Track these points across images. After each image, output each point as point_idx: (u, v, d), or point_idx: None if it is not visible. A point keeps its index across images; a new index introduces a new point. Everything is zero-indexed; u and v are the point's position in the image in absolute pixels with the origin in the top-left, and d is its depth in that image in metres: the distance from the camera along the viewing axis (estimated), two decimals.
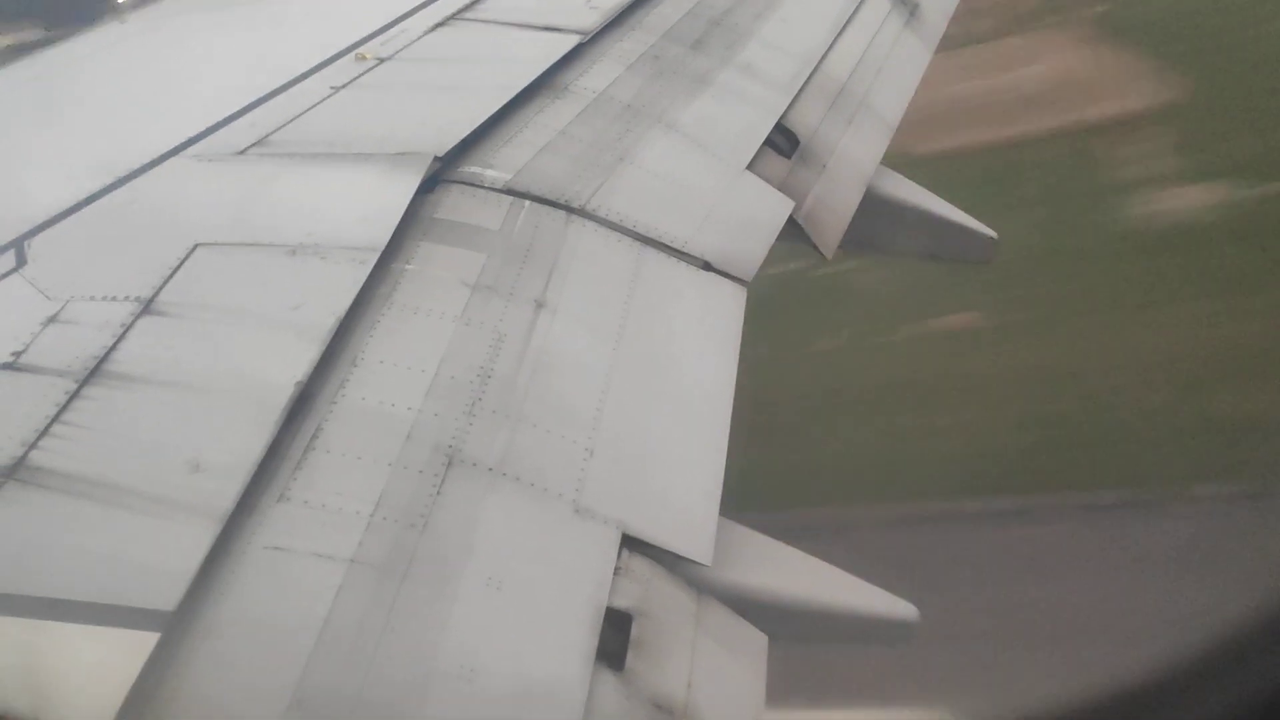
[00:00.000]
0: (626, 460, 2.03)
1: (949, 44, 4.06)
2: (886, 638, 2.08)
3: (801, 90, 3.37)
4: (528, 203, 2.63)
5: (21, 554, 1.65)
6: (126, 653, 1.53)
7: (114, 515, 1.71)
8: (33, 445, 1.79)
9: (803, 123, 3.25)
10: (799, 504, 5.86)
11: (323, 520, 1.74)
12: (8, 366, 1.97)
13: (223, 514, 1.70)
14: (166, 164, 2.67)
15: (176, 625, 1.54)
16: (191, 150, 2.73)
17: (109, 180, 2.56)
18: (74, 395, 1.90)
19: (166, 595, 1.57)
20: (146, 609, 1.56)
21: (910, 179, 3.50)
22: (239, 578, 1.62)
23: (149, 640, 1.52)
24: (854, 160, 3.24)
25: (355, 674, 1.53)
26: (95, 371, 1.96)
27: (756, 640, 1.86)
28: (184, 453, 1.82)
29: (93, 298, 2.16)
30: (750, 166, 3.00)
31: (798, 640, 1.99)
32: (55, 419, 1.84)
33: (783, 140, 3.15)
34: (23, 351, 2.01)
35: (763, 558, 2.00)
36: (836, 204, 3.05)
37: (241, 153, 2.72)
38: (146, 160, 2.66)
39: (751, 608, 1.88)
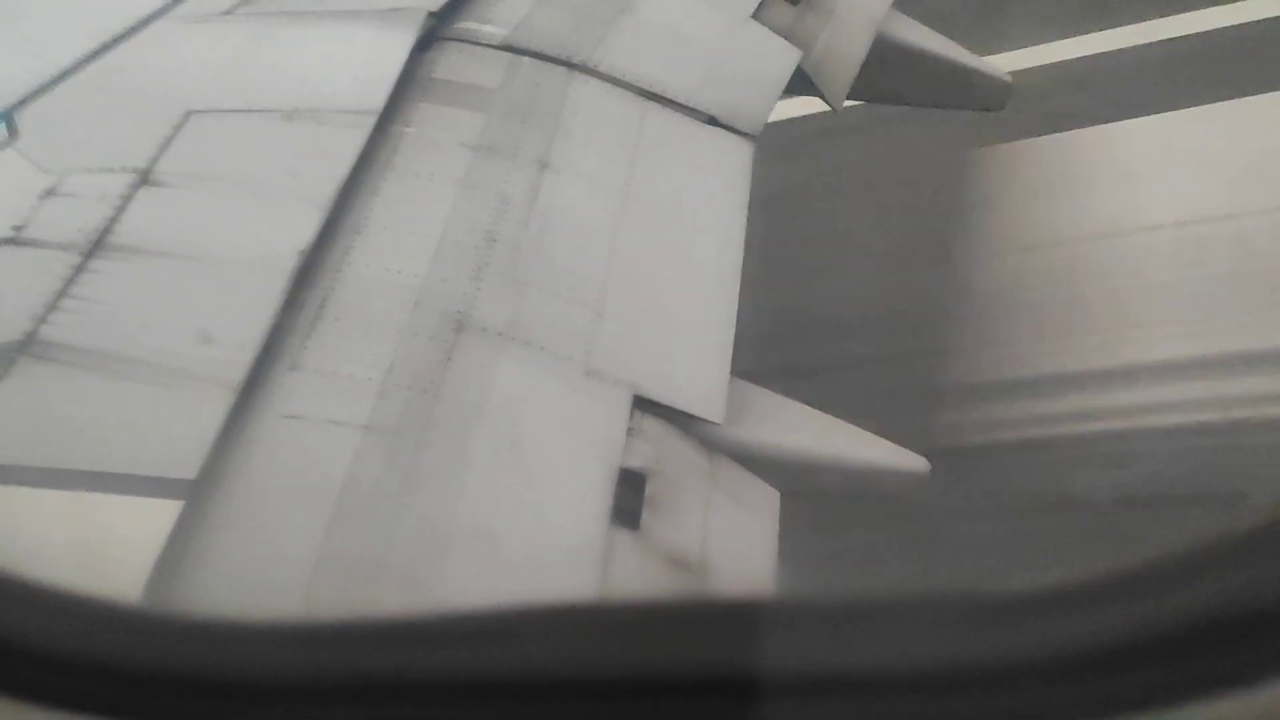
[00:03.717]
0: (636, 321, 2.03)
1: None
2: (897, 489, 2.11)
3: None
4: (526, 59, 2.55)
5: (42, 427, 1.68)
6: (152, 520, 1.56)
7: (129, 388, 1.72)
8: (42, 320, 1.79)
9: None
10: None
11: (336, 388, 1.75)
12: (10, 241, 1.95)
13: (236, 384, 1.70)
14: (151, 27, 2.58)
15: (199, 493, 1.57)
16: (176, 11, 2.63)
17: (93, 46, 2.48)
18: (79, 269, 1.89)
19: (187, 464, 1.59)
20: (168, 478, 1.59)
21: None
22: (257, 446, 1.65)
23: (173, 508, 1.56)
24: (863, 4, 3.12)
25: (377, 537, 1.57)
26: (98, 244, 1.94)
27: (768, 495, 1.89)
28: (193, 324, 1.81)
29: (88, 169, 2.12)
30: (755, 15, 2.89)
31: (809, 494, 2.03)
32: (63, 293, 1.84)
33: None
34: (24, 226, 1.98)
35: (773, 415, 2.02)
36: (845, 51, 2.96)
37: (228, 12, 2.63)
38: (130, 24, 2.57)
39: (763, 463, 1.91)
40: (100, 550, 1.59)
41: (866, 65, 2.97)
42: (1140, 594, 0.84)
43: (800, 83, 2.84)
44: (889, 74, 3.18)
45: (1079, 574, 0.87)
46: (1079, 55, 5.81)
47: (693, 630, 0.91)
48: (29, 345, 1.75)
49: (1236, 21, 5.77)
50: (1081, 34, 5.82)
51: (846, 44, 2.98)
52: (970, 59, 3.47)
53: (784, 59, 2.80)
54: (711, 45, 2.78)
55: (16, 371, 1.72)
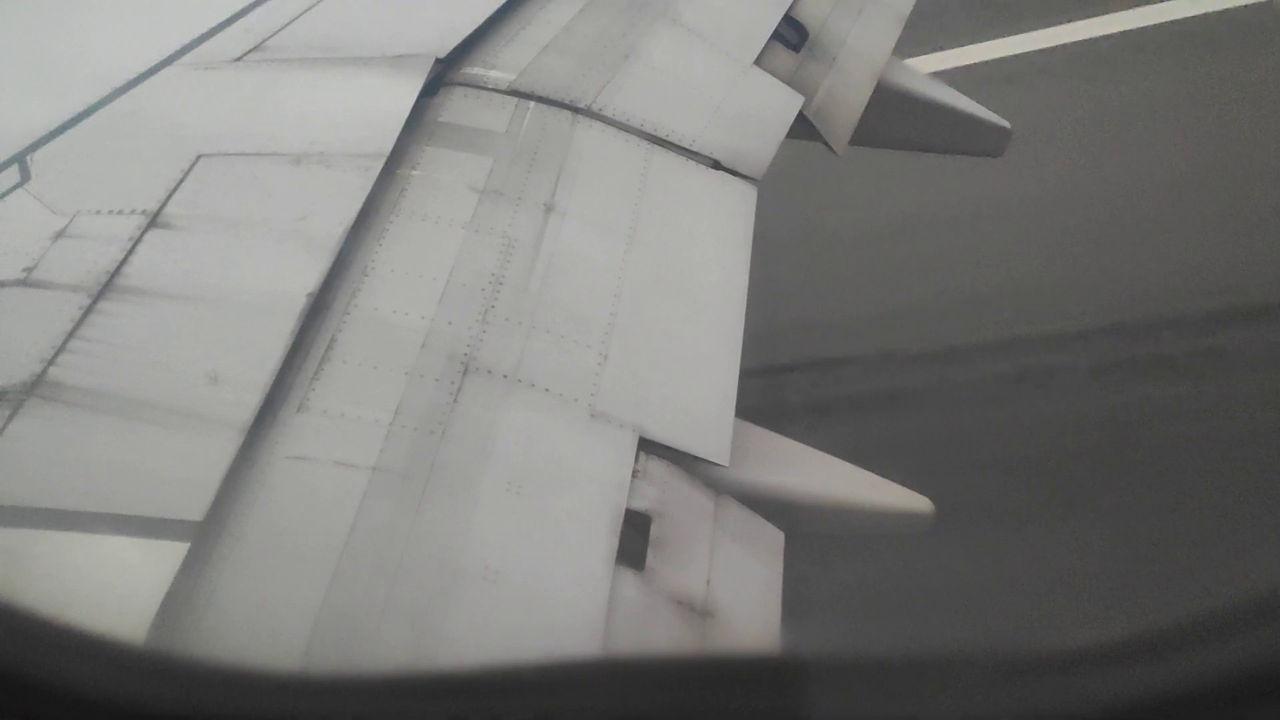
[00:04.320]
0: (641, 364, 2.04)
1: None
2: (901, 530, 2.11)
3: None
4: (533, 103, 2.58)
5: (49, 469, 1.68)
6: (158, 563, 1.56)
7: (137, 429, 1.72)
8: (51, 361, 1.80)
9: (811, 14, 3.17)
10: None
11: (343, 429, 1.76)
12: (20, 283, 1.97)
13: (244, 425, 1.71)
14: (163, 73, 2.61)
15: (205, 535, 1.57)
16: (187, 58, 2.67)
17: (106, 91, 2.51)
18: (88, 310, 1.90)
19: (194, 505, 1.60)
20: (175, 519, 1.59)
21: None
22: (264, 487, 1.65)
23: (179, 550, 1.55)
24: (865, 52, 3.16)
25: (383, 578, 1.56)
26: (108, 286, 1.95)
27: (773, 536, 1.89)
28: (202, 365, 1.82)
29: (99, 211, 2.14)
30: (758, 61, 2.94)
31: (814, 535, 2.02)
32: (72, 334, 1.85)
33: (791, 33, 3.07)
34: (34, 267, 2.00)
35: (778, 456, 2.02)
36: (847, 98, 3.00)
37: (238, 59, 2.66)
38: (142, 70, 2.60)
39: (768, 505, 1.91)
40: (107, 591, 1.58)
41: (868, 111, 3.01)
42: (1180, 650, 0.84)
43: (803, 127, 2.88)
44: (890, 120, 3.22)
45: (1117, 631, 0.87)
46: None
47: (737, 688, 0.90)
48: (38, 386, 1.76)
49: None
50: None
51: (848, 91, 3.02)
52: (970, 105, 3.52)
53: (786, 105, 2.84)
54: (715, 91, 2.82)
55: (25, 413, 1.72)
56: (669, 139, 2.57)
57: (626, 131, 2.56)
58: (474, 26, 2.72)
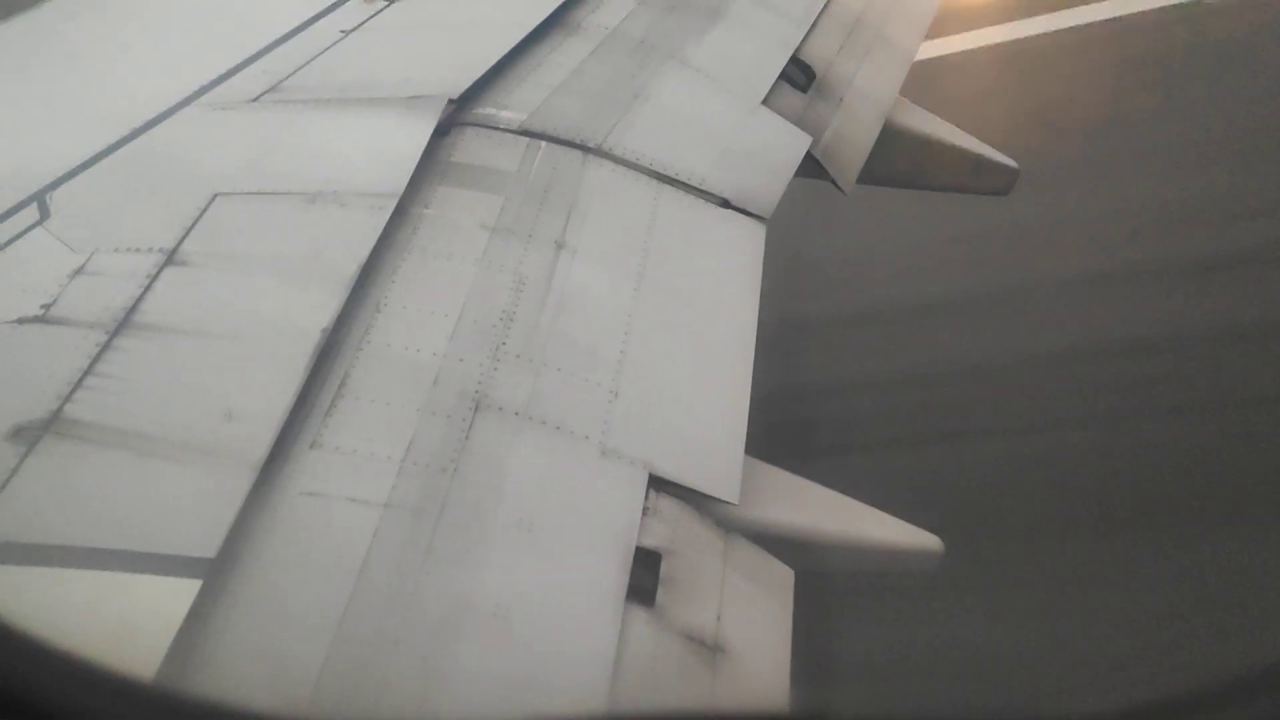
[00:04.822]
0: (651, 401, 2.05)
1: None
2: (911, 568, 2.11)
3: (816, 22, 3.32)
4: (544, 143, 2.61)
5: (63, 506, 1.69)
6: (170, 599, 1.57)
7: (151, 465, 1.74)
8: (67, 398, 1.82)
9: (819, 55, 3.21)
10: None
11: (355, 466, 1.77)
12: (38, 320, 1.99)
13: (257, 461, 1.72)
14: (180, 113, 2.66)
15: (218, 572, 1.58)
16: (205, 98, 2.71)
17: (124, 131, 2.55)
18: (105, 347, 1.92)
19: (207, 542, 1.61)
20: (188, 556, 1.60)
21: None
22: (277, 524, 1.66)
23: (192, 587, 1.56)
24: (871, 93, 3.20)
25: (394, 614, 1.57)
26: (124, 323, 1.98)
27: (783, 574, 1.89)
28: (216, 402, 1.84)
29: (116, 249, 2.17)
30: (766, 101, 2.97)
31: (823, 572, 2.02)
32: (88, 371, 1.87)
33: (799, 74, 3.11)
34: (51, 304, 2.03)
35: (788, 494, 2.03)
36: (854, 137, 3.03)
37: (255, 100, 2.71)
38: (160, 110, 2.65)
39: (778, 543, 1.91)
40: (121, 627, 1.59)
41: (875, 150, 3.04)
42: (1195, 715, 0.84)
43: (811, 166, 2.91)
44: (897, 159, 3.25)
45: (1139, 699, 0.86)
46: None
47: None
48: (54, 423, 1.78)
49: None
50: None
51: (855, 131, 3.05)
52: (977, 145, 3.55)
53: (794, 144, 2.87)
54: (724, 130, 2.85)
55: (40, 450, 1.74)
56: (678, 178, 2.60)
57: (636, 170, 2.59)
58: (487, 67, 2.76)
